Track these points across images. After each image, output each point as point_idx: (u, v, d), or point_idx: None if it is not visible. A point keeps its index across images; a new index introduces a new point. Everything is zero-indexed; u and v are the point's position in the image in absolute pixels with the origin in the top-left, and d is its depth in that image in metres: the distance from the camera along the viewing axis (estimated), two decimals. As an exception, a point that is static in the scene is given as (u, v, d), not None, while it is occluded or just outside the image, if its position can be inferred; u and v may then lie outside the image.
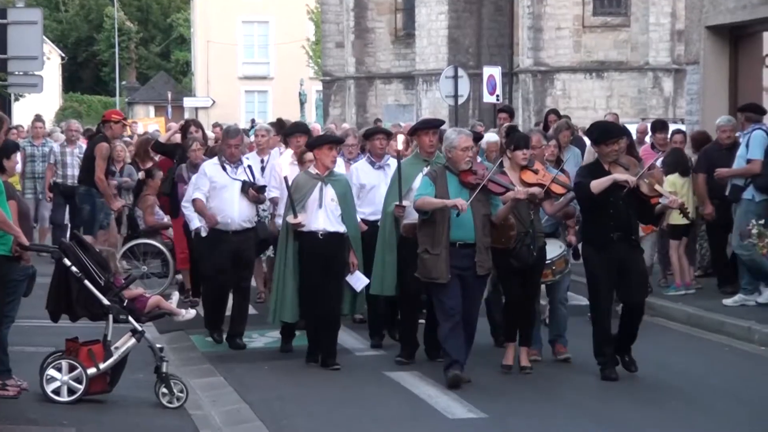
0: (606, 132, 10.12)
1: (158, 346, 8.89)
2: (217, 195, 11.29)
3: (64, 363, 8.64)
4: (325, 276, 10.27)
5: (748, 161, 12.96)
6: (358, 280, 10.55)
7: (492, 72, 28.59)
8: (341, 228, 10.38)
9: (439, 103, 36.64)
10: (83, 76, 77.21)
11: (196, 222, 11.54)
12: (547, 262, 10.28)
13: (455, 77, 28.81)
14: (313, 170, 10.50)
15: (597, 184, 9.65)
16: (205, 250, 11.43)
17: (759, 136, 13.06)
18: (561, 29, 38.12)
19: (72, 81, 74.41)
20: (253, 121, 42.74)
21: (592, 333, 9.98)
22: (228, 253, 11.24)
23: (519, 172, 10.03)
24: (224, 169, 11.30)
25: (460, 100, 29.39)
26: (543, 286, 10.68)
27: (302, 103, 54.95)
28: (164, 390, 8.72)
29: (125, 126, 15.08)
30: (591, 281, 9.99)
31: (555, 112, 17.83)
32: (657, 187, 9.87)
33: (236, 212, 11.24)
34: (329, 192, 10.35)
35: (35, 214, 17.46)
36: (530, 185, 9.93)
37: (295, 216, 10.24)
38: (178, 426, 8.29)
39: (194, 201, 11.43)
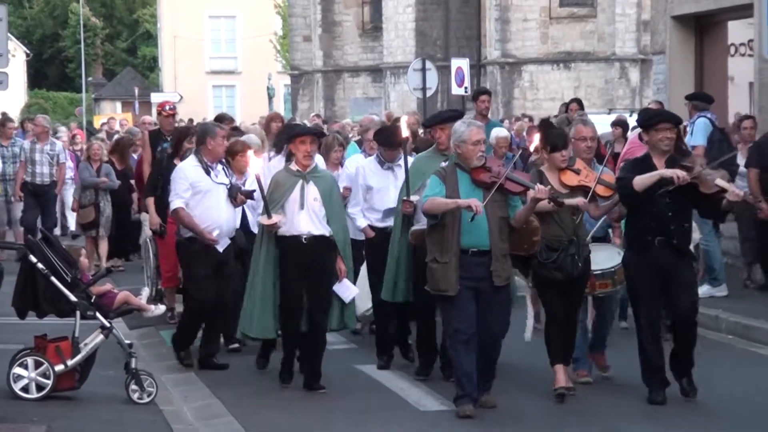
0: (655, 115, 9.17)
1: (127, 342, 8.87)
2: (201, 201, 9.98)
3: (30, 360, 8.61)
4: (309, 285, 9.22)
5: (693, 148, 13.09)
6: (346, 290, 9.37)
7: (460, 64, 28.61)
8: (326, 231, 9.29)
9: (407, 96, 36.65)
10: (49, 72, 76.62)
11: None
12: (609, 270, 9.17)
13: (423, 70, 28.82)
14: (293, 167, 9.41)
15: (641, 181, 8.61)
16: (190, 259, 10.19)
17: (702, 124, 13.25)
18: (528, 21, 38.24)
19: (37, 77, 73.82)
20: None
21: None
22: (210, 266, 10.03)
23: (558, 173, 8.93)
24: (207, 172, 10.03)
25: (429, 93, 29.40)
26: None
27: (270, 98, 54.76)
28: (134, 386, 8.69)
29: (167, 116, 13.30)
30: (630, 289, 9.03)
31: (578, 101, 16.76)
32: (718, 181, 8.61)
33: (224, 220, 10.03)
34: (312, 191, 9.26)
35: (8, 217, 16.85)
36: (572, 188, 8.89)
37: (269, 216, 9.17)
38: (150, 422, 8.27)
39: (177, 212, 10.05)
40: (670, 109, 16.77)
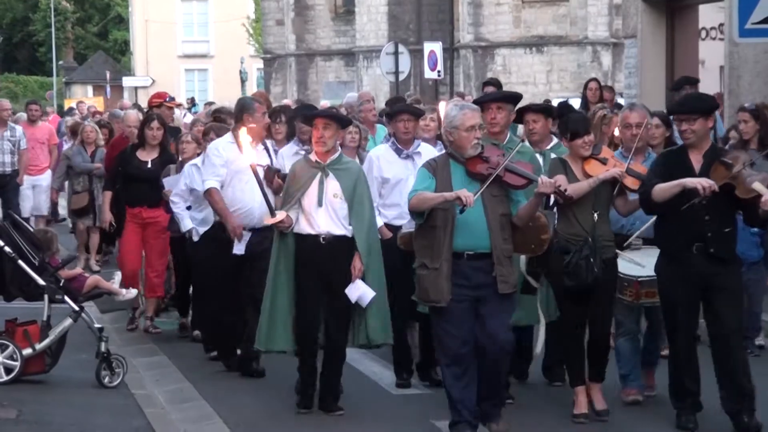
0: (673, 105, 8.08)
1: (97, 326, 8.84)
2: (233, 182, 9.16)
3: None
4: (326, 292, 8.14)
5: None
6: (357, 292, 8.10)
7: (433, 48, 28.61)
8: (348, 231, 8.14)
9: (380, 80, 36.62)
10: (19, 56, 76.07)
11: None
12: (654, 278, 7.95)
13: (396, 53, 28.80)
14: (312, 157, 8.25)
15: (660, 192, 7.48)
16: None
17: None
18: (500, 4, 38.24)
19: (7, 61, 73.33)
20: (192, 99, 42.43)
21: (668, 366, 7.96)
22: (239, 257, 9.17)
23: (582, 163, 7.91)
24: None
25: (401, 77, 29.39)
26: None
27: (243, 82, 54.65)
28: (104, 370, 8.69)
29: (171, 108, 12.29)
30: (663, 302, 7.82)
31: (596, 80, 15.20)
32: (755, 185, 7.30)
33: (258, 204, 8.85)
34: (331, 186, 8.13)
35: None
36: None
37: (273, 214, 8.16)
38: (122, 405, 8.26)
39: (210, 193, 9.21)
40: (641, 93, 16.93)
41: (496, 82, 13.64)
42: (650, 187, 7.56)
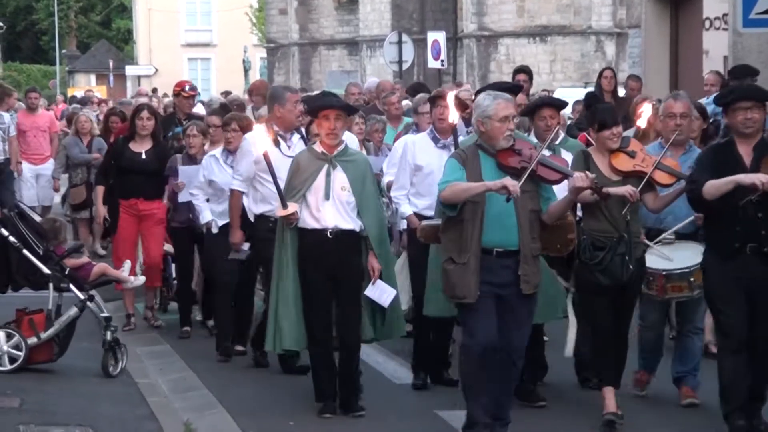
0: (730, 92, 7.66)
1: (104, 315, 8.84)
2: (266, 179, 8.62)
3: (2, 333, 8.59)
4: (336, 291, 7.91)
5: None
6: (382, 293, 7.96)
7: (436, 37, 28.62)
8: (356, 225, 7.91)
9: (383, 69, 36.55)
10: (22, 45, 76.00)
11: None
12: (683, 270, 7.78)
13: (399, 43, 28.80)
14: (318, 148, 7.98)
15: (712, 189, 7.07)
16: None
17: None
18: (504, -6, 38.19)
19: (11, 50, 73.23)
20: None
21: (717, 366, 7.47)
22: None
23: (609, 157, 7.58)
24: (277, 143, 8.66)
25: (405, 66, 29.38)
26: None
27: (246, 71, 54.59)
28: (111, 359, 8.71)
29: (188, 97, 12.03)
30: (712, 302, 7.44)
31: (611, 69, 14.64)
32: None
33: None
34: (339, 177, 7.85)
35: None
36: (626, 174, 7.49)
37: (285, 206, 7.84)
38: (125, 394, 8.27)
39: (232, 193, 9.11)
40: (645, 83, 16.90)
41: (527, 70, 12.81)
42: (701, 185, 7.15)
